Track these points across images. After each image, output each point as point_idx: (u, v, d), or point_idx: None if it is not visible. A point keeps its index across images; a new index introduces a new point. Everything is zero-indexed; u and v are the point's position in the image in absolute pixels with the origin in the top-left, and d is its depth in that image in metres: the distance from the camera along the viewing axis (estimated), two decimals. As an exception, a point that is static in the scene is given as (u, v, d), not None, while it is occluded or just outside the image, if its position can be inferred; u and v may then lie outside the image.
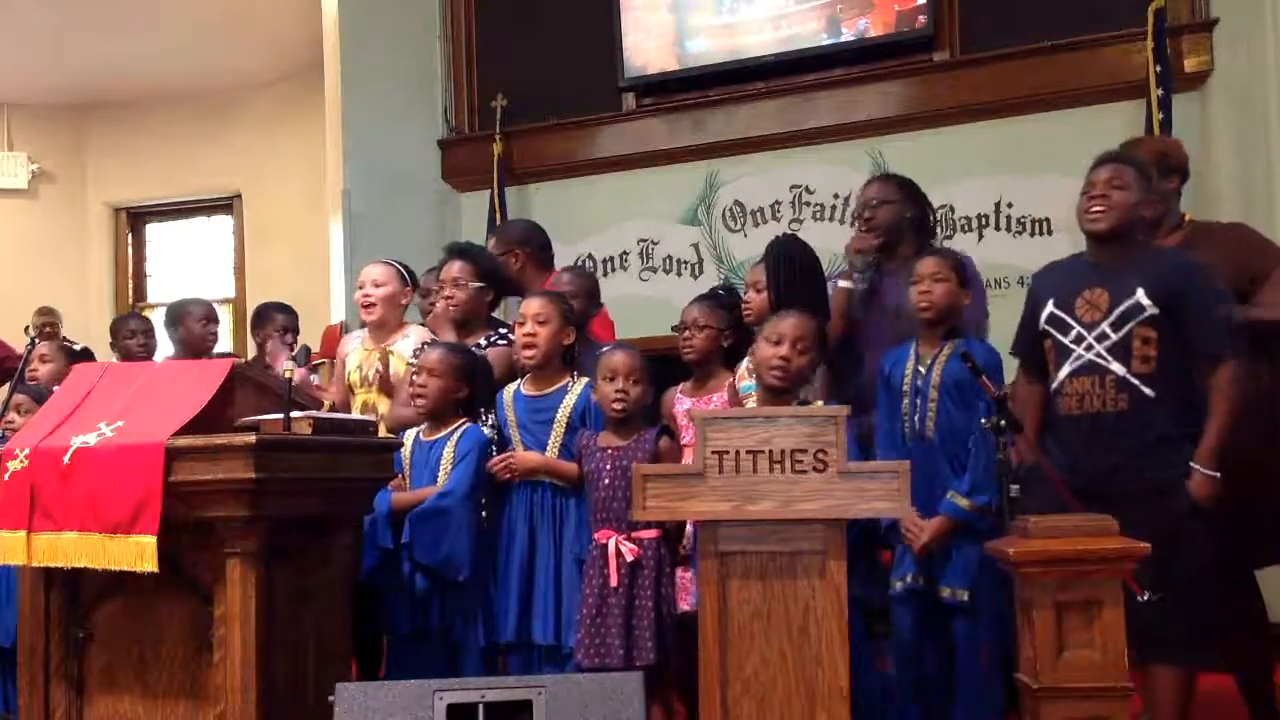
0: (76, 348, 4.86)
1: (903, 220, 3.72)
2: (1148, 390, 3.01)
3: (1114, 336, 3.05)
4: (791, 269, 3.48)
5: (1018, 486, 2.85)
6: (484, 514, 3.45)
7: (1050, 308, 3.19)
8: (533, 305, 3.50)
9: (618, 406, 3.27)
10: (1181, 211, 3.58)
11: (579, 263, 6.25)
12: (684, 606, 3.20)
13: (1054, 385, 3.16)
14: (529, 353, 3.47)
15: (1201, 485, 2.95)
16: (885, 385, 3.31)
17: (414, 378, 3.51)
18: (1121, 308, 3.05)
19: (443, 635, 3.40)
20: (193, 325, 4.83)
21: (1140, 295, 3.03)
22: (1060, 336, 3.15)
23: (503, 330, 3.87)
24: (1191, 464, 2.96)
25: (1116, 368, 3.04)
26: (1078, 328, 3.11)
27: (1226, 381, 3.00)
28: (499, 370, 3.68)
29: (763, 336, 3.12)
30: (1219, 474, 2.95)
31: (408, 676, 2.87)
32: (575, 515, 3.40)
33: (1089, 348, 3.08)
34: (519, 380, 3.59)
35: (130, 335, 5.07)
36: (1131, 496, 2.93)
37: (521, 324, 3.49)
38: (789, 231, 4.02)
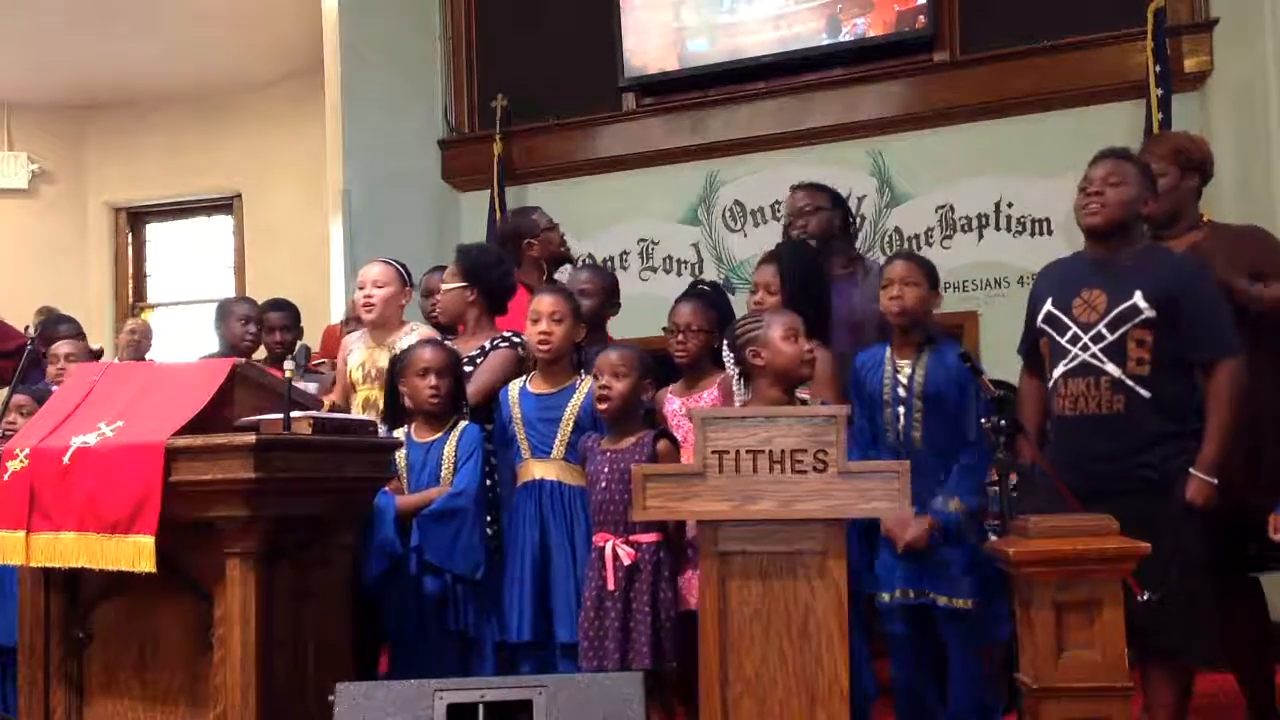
0: (95, 347, 4.89)
1: (833, 227, 3.76)
2: (1143, 391, 3.00)
3: (1109, 338, 3.04)
4: (806, 274, 3.52)
5: (1015, 482, 2.86)
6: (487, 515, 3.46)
7: (1048, 306, 3.18)
8: (547, 303, 3.50)
9: (600, 405, 3.29)
10: (1200, 211, 3.56)
11: (579, 263, 6.24)
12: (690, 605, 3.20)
13: (1050, 384, 3.16)
14: (544, 347, 3.47)
15: (1200, 491, 2.93)
16: (858, 388, 3.31)
17: (424, 381, 3.48)
18: (1118, 310, 3.04)
19: (455, 635, 3.39)
20: (234, 325, 4.87)
21: (1138, 298, 3.01)
22: (1056, 336, 3.14)
23: (506, 333, 3.86)
24: (1190, 470, 2.95)
25: (1111, 369, 3.03)
26: (1074, 328, 3.10)
27: (1226, 384, 2.98)
28: (506, 373, 3.68)
29: (782, 338, 2.99)
30: (1216, 480, 2.94)
31: (412, 677, 2.87)
32: (585, 512, 3.39)
33: (1084, 348, 3.07)
34: (524, 377, 3.59)
35: None
36: (1127, 493, 2.93)
37: (535, 321, 3.48)
38: (798, 236, 4.04)
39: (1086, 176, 3.16)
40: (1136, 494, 2.94)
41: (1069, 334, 3.11)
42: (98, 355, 4.76)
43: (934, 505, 3.11)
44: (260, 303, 5.15)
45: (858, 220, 3.95)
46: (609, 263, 6.49)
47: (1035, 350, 3.27)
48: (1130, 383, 3.01)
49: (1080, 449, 3.04)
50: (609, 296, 4.05)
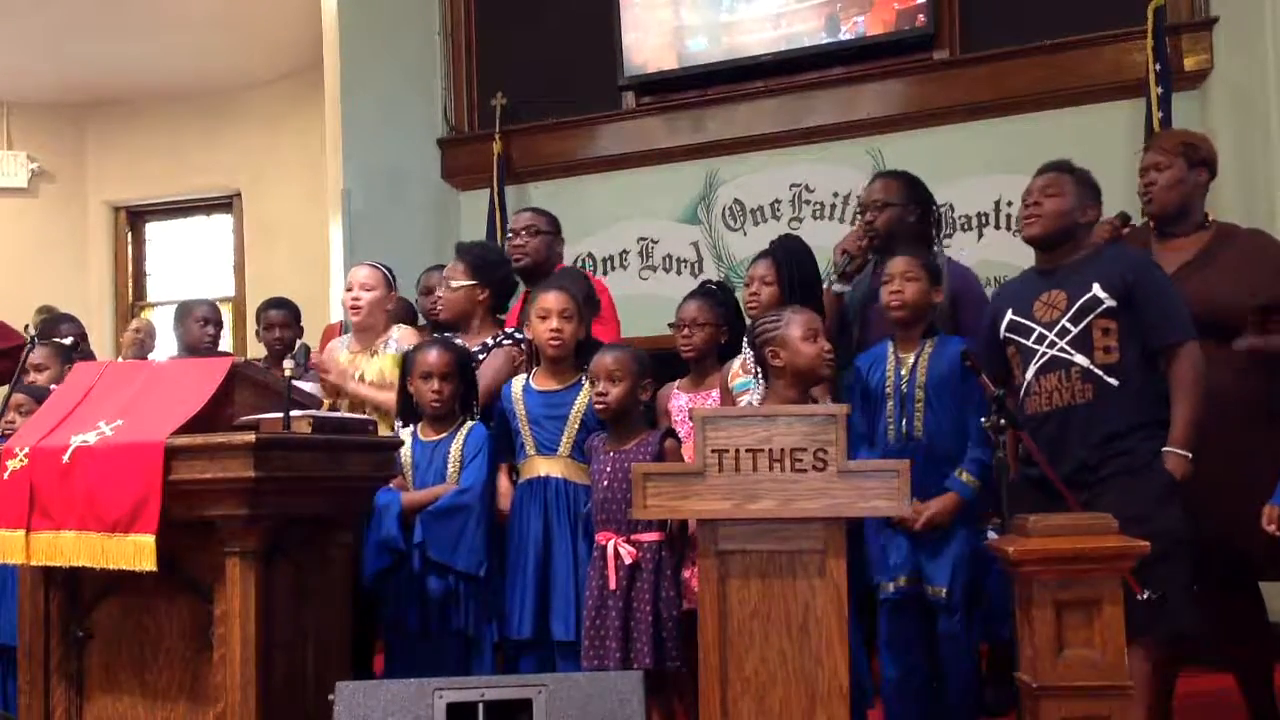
0: (66, 342, 4.83)
1: (903, 225, 3.70)
2: (1111, 380, 3.04)
3: (1074, 330, 3.07)
4: (801, 270, 3.55)
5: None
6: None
7: (1009, 317, 3.22)
8: (556, 300, 3.50)
9: (598, 407, 3.30)
10: (1206, 210, 3.55)
11: (579, 262, 6.25)
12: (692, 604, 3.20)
13: (1022, 388, 3.17)
14: (555, 344, 3.48)
15: (1177, 465, 2.97)
16: (863, 388, 3.32)
17: (427, 385, 3.48)
18: (1080, 302, 3.08)
19: (455, 634, 3.39)
20: (192, 325, 4.90)
21: (1096, 289, 3.06)
22: (1022, 340, 3.17)
23: (509, 330, 3.87)
24: (1164, 449, 2.97)
25: (1080, 360, 3.06)
26: (1038, 328, 3.14)
27: (1188, 366, 3.03)
28: (509, 373, 3.68)
29: (802, 337, 3.04)
30: (1190, 454, 2.97)
31: (410, 675, 2.87)
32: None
33: (1051, 344, 3.10)
34: (527, 374, 3.59)
35: None
36: (1103, 481, 2.97)
37: (545, 318, 3.49)
38: (792, 232, 4.04)
39: (1027, 189, 3.24)
40: (1111, 479, 2.97)
41: (1034, 335, 3.15)
42: (71, 350, 4.67)
43: (953, 479, 3.12)
44: (261, 301, 5.16)
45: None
46: (609, 262, 6.50)
47: (1001, 366, 3.26)
48: (1098, 372, 3.05)
49: (1055, 443, 3.04)
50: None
